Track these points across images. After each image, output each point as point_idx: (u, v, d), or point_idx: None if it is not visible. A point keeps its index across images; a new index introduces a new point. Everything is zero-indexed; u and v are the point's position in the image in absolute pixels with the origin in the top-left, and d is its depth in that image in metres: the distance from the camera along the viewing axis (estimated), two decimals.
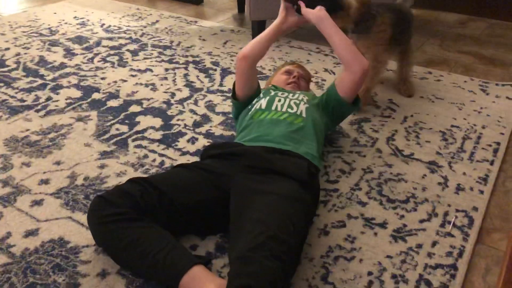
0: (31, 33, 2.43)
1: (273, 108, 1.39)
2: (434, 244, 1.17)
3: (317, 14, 1.44)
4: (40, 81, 1.92)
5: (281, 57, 2.24)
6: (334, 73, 2.08)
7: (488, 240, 1.20)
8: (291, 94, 1.46)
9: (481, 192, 1.35)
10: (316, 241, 1.16)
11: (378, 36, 1.65)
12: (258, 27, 2.39)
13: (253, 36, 2.41)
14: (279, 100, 1.42)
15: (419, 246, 1.16)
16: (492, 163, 1.48)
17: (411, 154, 1.52)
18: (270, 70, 2.09)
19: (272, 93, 1.47)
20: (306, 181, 1.16)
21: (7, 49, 2.22)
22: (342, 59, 1.43)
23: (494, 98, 1.89)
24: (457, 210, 1.28)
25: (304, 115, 1.37)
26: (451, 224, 1.23)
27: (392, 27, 1.67)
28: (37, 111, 1.70)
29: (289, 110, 1.38)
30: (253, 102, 1.51)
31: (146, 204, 1.06)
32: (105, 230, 1.03)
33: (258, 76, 1.97)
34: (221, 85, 1.93)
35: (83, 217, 1.21)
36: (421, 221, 1.24)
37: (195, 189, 1.13)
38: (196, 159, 1.45)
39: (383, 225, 1.22)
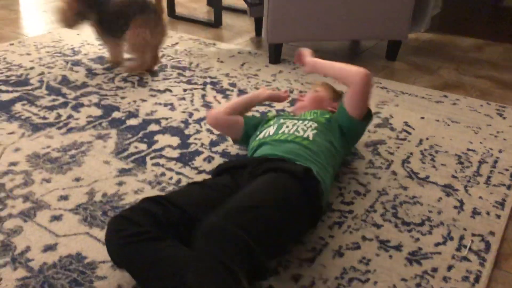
0: (55, 53, 2.50)
1: (280, 132, 1.40)
2: (450, 268, 1.16)
3: (311, 64, 1.56)
4: (62, 100, 1.97)
5: (297, 79, 2.27)
6: None
7: (505, 266, 1.19)
8: (300, 121, 1.45)
9: (498, 216, 1.34)
10: (330, 263, 1.16)
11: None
12: (275, 49, 2.43)
13: (270, 58, 2.46)
14: (287, 126, 1.42)
15: (435, 270, 1.15)
16: (509, 187, 1.47)
17: (426, 177, 1.52)
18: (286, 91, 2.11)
19: (281, 120, 1.47)
20: (300, 175, 1.16)
21: (32, 68, 2.30)
22: (345, 82, 1.48)
23: (511, 123, 1.88)
24: (473, 234, 1.27)
25: (310, 138, 1.36)
26: (467, 248, 1.22)
27: None
28: (59, 128, 1.74)
29: (296, 133, 1.38)
30: (262, 128, 1.51)
31: (168, 222, 1.05)
32: (128, 250, 1.00)
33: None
34: None
35: (100, 233, 1.23)
36: (437, 244, 1.23)
37: (212, 205, 1.13)
38: None
39: (398, 247, 1.22)
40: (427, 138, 1.75)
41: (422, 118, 1.91)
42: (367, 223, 1.30)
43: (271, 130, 1.44)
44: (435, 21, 3.06)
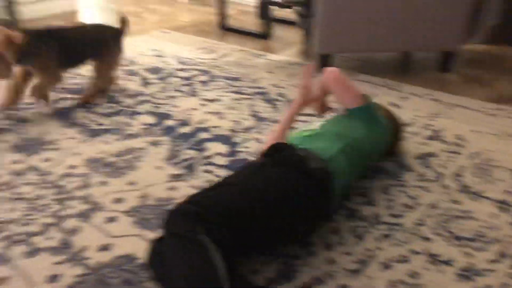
0: None
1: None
2: (504, 286, 1.11)
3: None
4: (118, 107, 2.06)
5: None
6: (400, 107, 2.07)
7: None
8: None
9: None
10: (377, 275, 1.15)
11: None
12: (324, 60, 2.44)
13: (319, 69, 2.46)
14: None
15: (488, 287, 1.11)
16: None
17: (479, 191, 1.47)
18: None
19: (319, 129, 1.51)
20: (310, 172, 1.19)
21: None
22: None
23: None
24: None
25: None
26: None
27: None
28: (115, 134, 1.83)
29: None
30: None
31: (215, 238, 1.02)
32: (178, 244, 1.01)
33: None
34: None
35: (151, 235, 1.28)
36: (490, 261, 1.19)
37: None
38: None
39: (448, 262, 1.19)
40: (480, 152, 1.70)
41: (476, 131, 1.86)
42: (416, 236, 1.28)
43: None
44: (491, 32, 2.96)
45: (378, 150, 1.52)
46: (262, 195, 1.13)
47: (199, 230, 0.99)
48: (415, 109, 2.05)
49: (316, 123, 1.54)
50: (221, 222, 1.03)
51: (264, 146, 1.60)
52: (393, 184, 1.51)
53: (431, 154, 1.68)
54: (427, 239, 1.27)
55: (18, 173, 1.57)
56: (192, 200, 1.10)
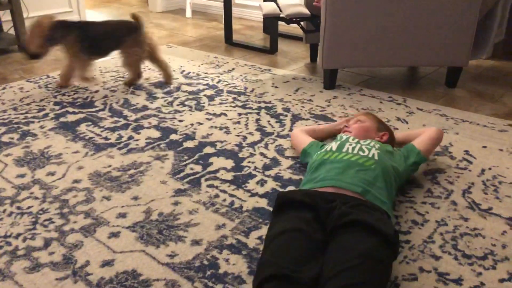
0: (117, 77, 2.64)
1: (344, 150, 1.41)
2: None
3: None
4: (123, 121, 2.06)
5: (351, 104, 2.25)
6: (407, 122, 2.05)
7: None
8: (362, 140, 1.48)
9: None
10: None
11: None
12: (330, 75, 2.43)
13: (324, 84, 2.46)
14: (350, 144, 1.44)
15: None
16: None
17: (489, 208, 1.44)
18: (340, 117, 2.10)
19: (344, 138, 1.50)
20: (391, 238, 1.11)
21: (97, 91, 2.42)
22: (418, 136, 1.67)
23: None
24: None
25: (376, 157, 1.37)
26: None
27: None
28: (119, 148, 1.82)
29: (361, 153, 1.39)
30: (323, 144, 1.56)
31: None
32: None
33: (329, 122, 2.01)
34: (291, 130, 1.96)
35: (155, 251, 1.26)
36: (501, 280, 1.16)
37: (313, 259, 1.08)
38: (264, 201, 1.48)
39: (458, 281, 1.16)
40: (489, 168, 1.67)
41: (484, 147, 1.83)
42: (425, 254, 1.25)
43: (334, 145, 1.47)
44: (499, 48, 2.95)
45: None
46: None
47: None
48: (422, 124, 2.04)
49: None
50: None
51: (293, 136, 1.78)
52: (402, 200, 1.48)
53: (439, 170, 1.66)
54: (436, 257, 1.24)
55: (22, 187, 1.56)
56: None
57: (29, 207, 1.46)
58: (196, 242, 1.30)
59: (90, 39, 2.34)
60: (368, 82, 2.57)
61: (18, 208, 1.45)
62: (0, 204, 1.47)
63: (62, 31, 2.30)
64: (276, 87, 2.49)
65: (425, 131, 1.67)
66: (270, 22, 3.11)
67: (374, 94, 2.38)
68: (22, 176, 1.63)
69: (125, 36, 2.38)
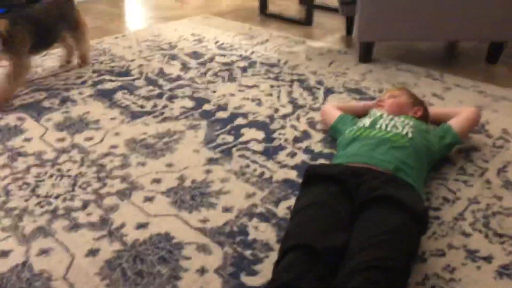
0: (153, 47, 2.67)
1: (377, 126, 1.40)
2: None
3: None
4: (158, 91, 2.10)
5: (387, 79, 2.21)
6: (443, 98, 2.00)
7: None
8: (396, 117, 1.46)
9: None
10: (413, 268, 1.13)
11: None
12: (365, 48, 2.39)
13: (360, 57, 2.42)
14: (384, 121, 1.43)
15: None
16: None
17: None
18: (375, 91, 2.07)
19: (378, 114, 1.49)
20: (420, 215, 1.12)
21: (133, 60, 2.47)
22: (455, 115, 1.63)
23: None
24: None
25: (410, 135, 1.36)
26: None
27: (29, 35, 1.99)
28: (155, 117, 1.86)
29: (394, 130, 1.38)
30: (356, 121, 1.55)
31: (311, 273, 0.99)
32: None
33: (363, 96, 1.99)
34: (324, 103, 1.95)
35: (188, 216, 1.30)
36: None
37: (339, 230, 1.09)
38: (294, 173, 1.49)
39: (487, 259, 1.15)
40: None
41: None
42: (455, 231, 1.25)
43: (367, 121, 1.46)
44: None
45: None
46: None
47: None
48: (459, 101, 1.99)
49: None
50: None
51: (323, 112, 1.76)
52: (433, 177, 1.47)
53: (474, 148, 1.63)
54: (466, 234, 1.24)
55: (62, 151, 1.63)
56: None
57: (68, 170, 1.52)
58: (226, 209, 1.33)
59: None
60: (404, 56, 2.51)
61: (58, 170, 1.52)
62: (41, 166, 1.54)
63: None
64: (310, 59, 2.47)
65: (462, 111, 1.63)
66: None
67: (411, 69, 2.32)
68: (62, 140, 1.70)
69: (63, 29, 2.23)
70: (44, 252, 1.19)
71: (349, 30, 2.92)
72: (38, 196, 1.40)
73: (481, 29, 2.25)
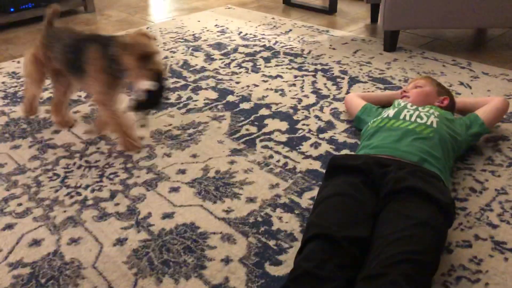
0: (177, 38, 2.69)
1: (401, 117, 1.39)
2: None
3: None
4: (183, 82, 2.12)
5: (412, 68, 2.18)
6: (470, 87, 1.96)
7: None
8: (421, 107, 1.44)
9: None
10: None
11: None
12: (391, 36, 2.35)
13: (385, 46, 2.39)
14: (408, 111, 1.41)
15: None
16: None
17: None
18: (400, 80, 2.04)
19: (402, 104, 1.47)
20: (447, 207, 1.10)
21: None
22: (484, 104, 1.60)
23: None
24: None
25: (434, 125, 1.34)
26: None
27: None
28: (179, 108, 1.88)
29: (419, 120, 1.36)
30: (380, 111, 1.54)
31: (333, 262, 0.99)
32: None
33: (388, 86, 1.97)
34: (348, 93, 1.94)
35: (212, 206, 1.32)
36: None
37: (362, 221, 1.09)
38: (318, 163, 1.49)
39: None
40: None
41: None
42: (482, 222, 1.23)
43: (391, 112, 1.45)
44: None
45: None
46: None
47: None
48: (487, 89, 1.94)
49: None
50: None
51: (347, 101, 1.75)
52: (460, 167, 1.45)
53: (502, 138, 1.59)
54: (493, 225, 1.22)
55: (90, 142, 1.67)
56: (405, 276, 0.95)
57: (96, 161, 1.56)
58: (250, 200, 1.35)
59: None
60: (430, 45, 2.46)
61: (87, 162, 1.56)
62: (70, 158, 1.58)
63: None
64: (334, 48, 2.45)
65: (490, 101, 1.59)
66: None
67: (437, 57, 2.28)
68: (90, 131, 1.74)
69: None
70: (74, 241, 1.23)
71: (373, 19, 2.88)
72: (67, 186, 1.44)
73: (510, 15, 2.18)
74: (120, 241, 1.22)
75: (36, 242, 1.23)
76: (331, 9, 3.07)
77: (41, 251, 1.20)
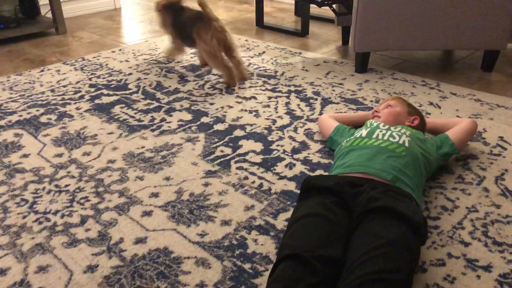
0: (150, 60, 2.68)
1: (374, 136, 1.41)
2: None
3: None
4: (156, 104, 2.11)
5: (383, 88, 2.22)
6: (439, 107, 2.01)
7: None
8: (393, 127, 1.47)
9: None
10: (413, 278, 1.12)
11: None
12: (361, 58, 2.40)
13: (356, 67, 2.43)
14: (381, 131, 1.43)
15: None
16: None
17: None
18: (371, 101, 2.08)
19: (374, 124, 1.49)
20: (419, 226, 1.11)
21: (130, 74, 2.48)
22: (453, 126, 1.63)
23: None
24: None
25: (406, 144, 1.36)
26: None
27: None
28: (152, 130, 1.87)
29: (391, 139, 1.38)
30: (353, 131, 1.56)
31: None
32: None
33: (360, 107, 2.00)
34: (321, 114, 1.96)
35: (186, 230, 1.30)
36: None
37: (336, 241, 1.08)
38: (292, 184, 1.49)
39: (487, 268, 1.15)
40: None
41: None
42: (454, 240, 1.24)
43: (363, 131, 1.47)
44: None
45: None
46: None
47: None
48: (456, 109, 2.00)
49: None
50: None
51: (320, 121, 1.78)
52: (432, 185, 1.47)
53: (471, 156, 1.63)
54: (465, 243, 1.23)
55: (60, 166, 1.63)
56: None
57: (66, 186, 1.52)
58: (225, 222, 1.33)
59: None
60: (400, 66, 2.53)
61: (56, 186, 1.52)
62: (39, 182, 1.54)
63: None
64: (306, 70, 2.48)
65: (459, 122, 1.64)
66: (302, 5, 3.08)
67: (407, 78, 2.34)
68: (60, 155, 1.70)
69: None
70: (42, 269, 1.18)
71: (345, 41, 2.94)
72: (36, 212, 1.39)
73: (476, 38, 2.27)
74: (91, 268, 1.18)
75: (1, 272, 1.18)
76: (303, 32, 3.12)
77: (7, 281, 1.15)
